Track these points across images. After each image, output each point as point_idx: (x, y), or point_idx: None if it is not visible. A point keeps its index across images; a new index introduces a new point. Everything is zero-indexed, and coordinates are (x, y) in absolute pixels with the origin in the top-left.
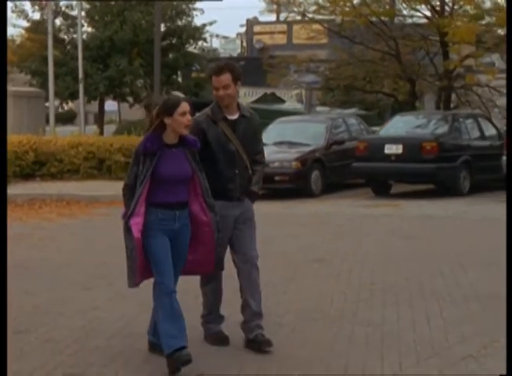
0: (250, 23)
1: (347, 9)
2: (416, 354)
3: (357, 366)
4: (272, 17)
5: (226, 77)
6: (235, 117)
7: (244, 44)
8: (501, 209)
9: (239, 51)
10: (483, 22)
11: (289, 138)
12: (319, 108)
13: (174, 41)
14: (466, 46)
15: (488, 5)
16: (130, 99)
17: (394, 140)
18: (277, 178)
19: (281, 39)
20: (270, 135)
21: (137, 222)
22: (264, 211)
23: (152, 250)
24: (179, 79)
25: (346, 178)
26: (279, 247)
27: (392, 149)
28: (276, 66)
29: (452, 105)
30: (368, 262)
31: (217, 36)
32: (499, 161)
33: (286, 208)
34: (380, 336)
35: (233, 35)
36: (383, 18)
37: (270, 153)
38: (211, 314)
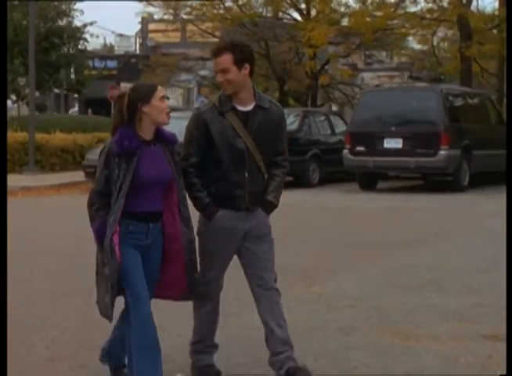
0: (145, 21)
1: (215, 11)
2: None
3: None
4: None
5: (225, 59)
6: (248, 108)
7: (139, 41)
8: (339, 198)
9: (133, 48)
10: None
11: None
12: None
13: (55, 41)
14: (331, 47)
15: (343, 9)
16: (13, 96)
17: None
18: None
19: (175, 37)
20: None
21: (117, 242)
22: None
23: (123, 269)
24: (72, 76)
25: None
26: None
27: None
28: (168, 64)
29: (320, 102)
30: None
31: (112, 32)
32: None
33: None
34: None
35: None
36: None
37: None
38: (203, 342)
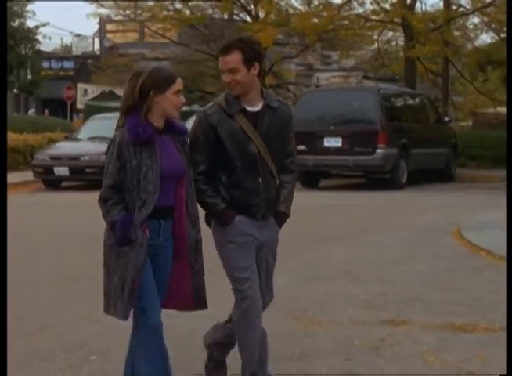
0: (103, 21)
1: (165, 12)
2: None
3: None
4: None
5: (234, 58)
6: (257, 108)
7: (97, 42)
8: None
9: (91, 49)
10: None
11: (102, 133)
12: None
13: (9, 42)
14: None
15: (291, 11)
16: None
17: None
18: (88, 170)
19: (133, 37)
20: (85, 130)
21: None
22: (80, 198)
23: None
24: (28, 76)
25: None
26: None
27: None
28: (118, 65)
29: None
30: None
31: (70, 33)
32: None
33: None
34: None
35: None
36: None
37: (82, 147)
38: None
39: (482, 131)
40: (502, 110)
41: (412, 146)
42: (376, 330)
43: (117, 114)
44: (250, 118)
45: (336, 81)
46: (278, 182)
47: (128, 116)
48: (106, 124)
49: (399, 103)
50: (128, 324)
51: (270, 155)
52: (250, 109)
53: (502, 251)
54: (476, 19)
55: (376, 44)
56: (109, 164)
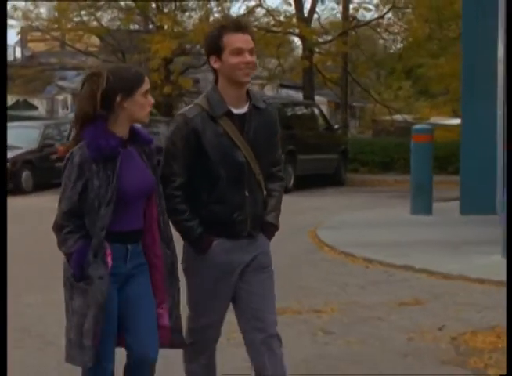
0: (24, 30)
1: (73, 24)
2: None
3: None
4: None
5: (251, 39)
6: (243, 109)
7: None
8: None
9: (12, 58)
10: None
11: (17, 143)
12: None
13: None
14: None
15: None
16: None
17: None
18: None
19: (56, 46)
20: None
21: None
22: None
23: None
24: None
25: (54, 178)
26: None
27: None
28: (27, 75)
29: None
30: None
31: None
32: None
33: None
34: None
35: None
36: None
37: None
38: None
39: (375, 137)
40: (397, 117)
41: (299, 152)
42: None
43: (31, 123)
44: (237, 122)
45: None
46: (265, 193)
47: (84, 127)
48: (9, 133)
49: (288, 112)
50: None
51: (258, 164)
52: (235, 111)
53: (344, 246)
54: (371, 31)
55: (276, 54)
56: (66, 186)
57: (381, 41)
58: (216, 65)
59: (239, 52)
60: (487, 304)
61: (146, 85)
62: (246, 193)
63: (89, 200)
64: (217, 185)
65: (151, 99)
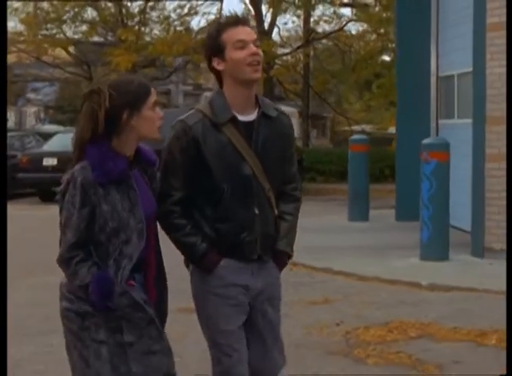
0: None
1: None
2: None
3: None
4: None
5: (254, 31)
6: (252, 117)
7: None
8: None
9: None
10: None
11: None
12: (51, 126)
13: None
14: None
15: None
16: None
17: (51, 154)
18: None
19: (25, 58)
20: None
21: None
22: None
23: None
24: None
25: (16, 188)
26: None
27: (49, 161)
28: (15, 85)
29: None
30: None
31: None
32: None
33: None
34: None
35: None
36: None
37: None
38: None
39: (335, 147)
40: (356, 128)
41: None
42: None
43: None
44: (243, 130)
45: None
46: (276, 212)
47: (86, 149)
48: None
49: None
50: None
51: (267, 179)
52: (242, 118)
53: None
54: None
55: None
56: (70, 214)
57: (339, 54)
58: (220, 66)
59: (242, 44)
60: (390, 302)
61: (153, 97)
62: (256, 211)
63: (96, 229)
64: (221, 200)
65: (160, 112)
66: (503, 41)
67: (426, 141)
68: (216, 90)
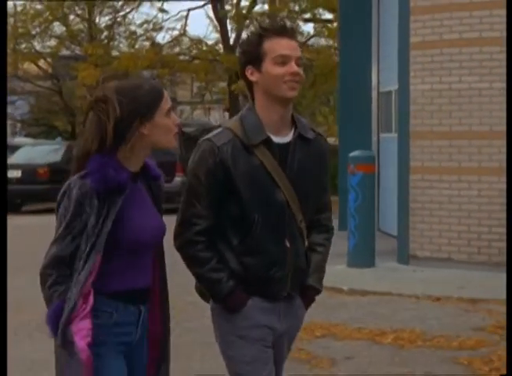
0: None
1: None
2: None
3: None
4: None
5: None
6: (287, 138)
7: None
8: None
9: None
10: None
11: None
12: (22, 139)
13: None
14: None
15: (116, 53)
16: None
17: (15, 166)
18: None
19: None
20: None
21: (83, 328)
22: None
23: None
24: None
25: None
26: None
27: (13, 173)
28: None
29: None
30: None
31: None
32: None
33: None
34: None
35: None
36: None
37: None
38: None
39: None
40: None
41: None
42: None
43: None
44: (277, 153)
45: (198, 113)
46: (307, 244)
47: (92, 156)
48: None
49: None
50: None
51: (301, 207)
52: (276, 139)
53: None
54: None
55: (204, 80)
56: (59, 225)
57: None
58: (253, 77)
59: (284, 60)
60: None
61: (167, 102)
62: (288, 244)
63: (81, 244)
64: (250, 231)
65: (176, 118)
66: (426, 59)
67: (353, 154)
68: (247, 106)
